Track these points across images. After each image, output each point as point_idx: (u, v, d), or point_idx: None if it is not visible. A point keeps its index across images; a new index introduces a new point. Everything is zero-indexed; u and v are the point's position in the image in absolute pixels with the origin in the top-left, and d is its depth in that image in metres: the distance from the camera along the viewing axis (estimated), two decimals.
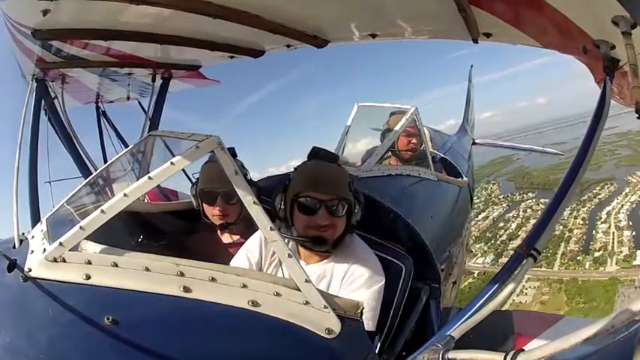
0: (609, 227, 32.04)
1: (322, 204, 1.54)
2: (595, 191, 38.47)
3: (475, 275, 25.80)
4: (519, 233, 30.59)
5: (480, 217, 36.32)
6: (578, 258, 29.39)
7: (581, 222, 33.87)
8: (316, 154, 1.70)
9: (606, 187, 39.15)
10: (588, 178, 39.62)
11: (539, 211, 31.40)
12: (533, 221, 30.50)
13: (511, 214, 35.81)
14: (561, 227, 32.10)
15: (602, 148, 48.17)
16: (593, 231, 32.36)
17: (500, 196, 40.33)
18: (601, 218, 34.25)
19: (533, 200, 35.95)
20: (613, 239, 30.33)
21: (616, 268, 27.61)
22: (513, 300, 25.26)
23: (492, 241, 31.31)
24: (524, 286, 26.51)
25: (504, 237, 31.04)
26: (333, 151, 2.80)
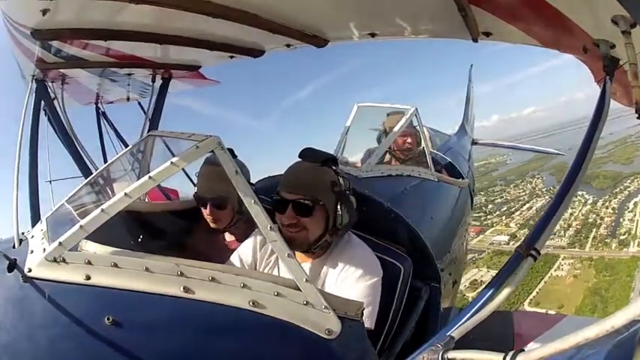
0: (635, 215, 36.78)
1: (289, 203, 1.56)
2: (626, 184, 43.08)
3: None
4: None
5: (525, 207, 41.79)
6: (606, 240, 34.74)
7: (611, 211, 38.71)
8: (303, 155, 1.71)
9: (636, 180, 43.43)
10: (621, 172, 44.70)
11: (576, 202, 37.83)
12: (572, 211, 36.84)
13: None
14: (594, 216, 37.90)
15: (635, 142, 52.19)
16: (621, 219, 37.22)
17: (544, 189, 45.21)
18: (628, 208, 38.67)
19: None
20: (637, 225, 35.18)
21: (637, 249, 32.29)
22: (551, 274, 30.15)
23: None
24: (560, 262, 31.77)
25: None
26: (332, 151, 2.81)
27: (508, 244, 33.89)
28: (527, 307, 27.59)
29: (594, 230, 36.12)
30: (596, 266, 31.01)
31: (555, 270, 31.60)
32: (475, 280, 28.65)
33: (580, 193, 39.79)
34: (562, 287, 28.97)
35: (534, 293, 29.02)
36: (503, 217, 42.04)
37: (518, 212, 41.38)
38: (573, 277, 30.21)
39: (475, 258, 35.31)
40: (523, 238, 1.58)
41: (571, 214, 37.98)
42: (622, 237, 34.38)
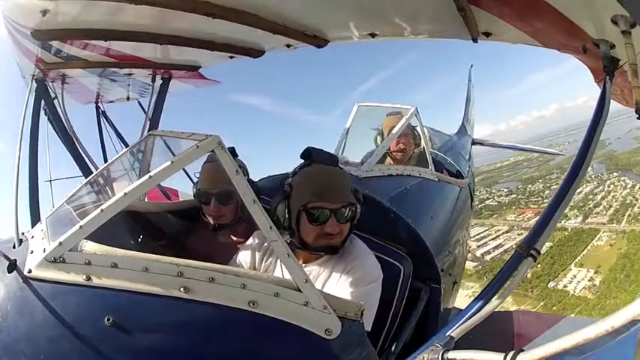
0: None
1: (332, 213, 1.53)
2: None
3: (569, 230, 39.89)
4: (602, 202, 43.89)
5: (576, 192, 48.97)
6: (639, 217, 40.72)
7: None
8: (318, 157, 1.65)
9: None
10: None
11: (619, 186, 44.83)
12: (613, 194, 43.96)
13: (599, 189, 48.61)
14: (631, 197, 44.05)
15: None
16: None
17: (592, 175, 52.86)
18: None
19: (616, 178, 48.65)
20: None
21: None
22: (593, 244, 37.28)
23: (582, 208, 45.07)
24: (600, 235, 38.50)
25: (591, 205, 45.03)
26: (333, 151, 2.81)
27: (560, 222, 40.58)
28: (572, 268, 33.83)
29: (629, 209, 42.67)
30: (628, 237, 37.56)
31: (596, 241, 39.11)
32: None
33: (622, 178, 47.80)
34: (600, 253, 36.02)
35: (579, 257, 35.89)
36: None
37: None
38: (609, 246, 37.27)
39: None
40: (523, 238, 1.58)
41: (612, 197, 44.16)
42: None
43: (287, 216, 1.57)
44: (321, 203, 1.53)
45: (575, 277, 33.38)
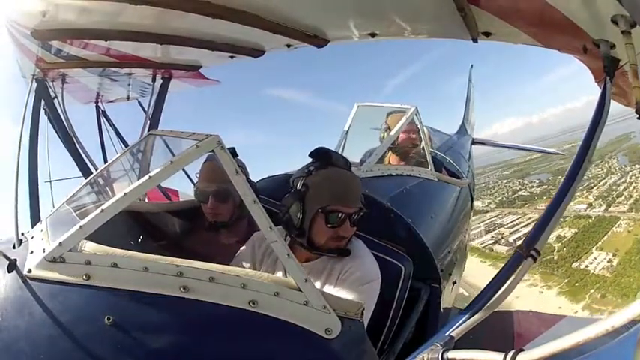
0: None
1: (348, 217, 1.55)
2: None
3: (592, 218, 41.26)
4: (623, 192, 45.26)
5: (601, 183, 51.48)
6: None
7: None
8: (336, 160, 1.65)
9: None
10: None
11: (639, 178, 45.63)
12: (634, 185, 44.94)
13: (621, 180, 50.32)
14: None
15: None
16: None
17: (617, 168, 54.47)
18: None
19: (638, 170, 49.94)
20: None
21: None
22: (612, 231, 39.31)
23: (606, 198, 46.81)
24: (620, 222, 40.47)
25: (614, 195, 46.51)
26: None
27: (585, 211, 44.77)
28: (593, 252, 36.19)
29: None
30: None
31: (616, 228, 41.60)
32: (559, 235, 37.56)
33: None
34: (619, 239, 38.58)
35: (600, 242, 38.27)
36: (584, 192, 49.39)
37: (595, 187, 50.20)
38: (627, 232, 39.71)
39: (560, 222, 44.03)
40: (524, 238, 1.58)
41: (634, 188, 44.95)
42: None
43: (300, 216, 1.56)
44: (340, 207, 1.54)
45: (595, 258, 35.93)
